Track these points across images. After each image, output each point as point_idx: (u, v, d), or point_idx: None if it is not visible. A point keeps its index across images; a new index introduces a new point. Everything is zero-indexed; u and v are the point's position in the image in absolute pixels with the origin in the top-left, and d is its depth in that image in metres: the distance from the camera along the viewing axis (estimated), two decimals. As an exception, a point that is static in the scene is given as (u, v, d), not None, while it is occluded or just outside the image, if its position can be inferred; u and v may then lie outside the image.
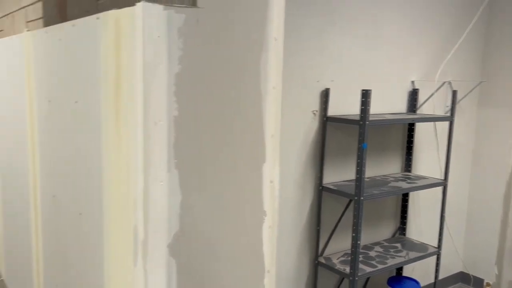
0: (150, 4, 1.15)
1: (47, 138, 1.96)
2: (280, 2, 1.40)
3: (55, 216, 1.95)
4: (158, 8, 1.16)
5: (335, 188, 2.45)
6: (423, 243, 2.84)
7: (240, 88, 1.35)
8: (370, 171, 2.76)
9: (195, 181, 1.28)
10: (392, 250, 2.69)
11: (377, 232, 2.87)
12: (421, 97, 2.90)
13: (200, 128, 1.27)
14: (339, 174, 2.62)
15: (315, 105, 2.47)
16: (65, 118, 1.72)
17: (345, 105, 2.57)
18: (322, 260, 2.53)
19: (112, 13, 1.29)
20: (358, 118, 2.28)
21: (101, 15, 1.36)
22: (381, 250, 2.68)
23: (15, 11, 2.64)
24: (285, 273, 2.49)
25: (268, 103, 1.42)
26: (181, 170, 1.24)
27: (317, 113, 2.48)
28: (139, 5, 1.15)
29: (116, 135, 1.32)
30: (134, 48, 1.18)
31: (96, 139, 1.45)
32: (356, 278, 2.30)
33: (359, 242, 2.29)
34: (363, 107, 2.22)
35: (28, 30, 2.18)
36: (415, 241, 2.85)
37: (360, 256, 2.58)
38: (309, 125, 2.47)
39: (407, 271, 3.05)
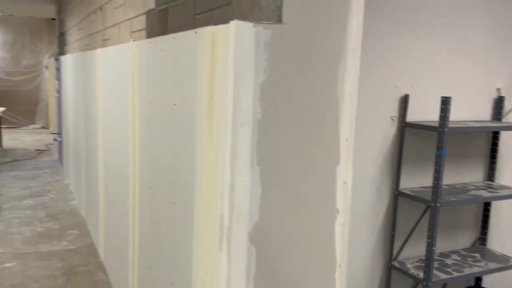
0: (242, 22, 1.32)
1: (147, 135, 2.23)
2: (359, 16, 1.50)
3: (151, 205, 2.21)
4: (248, 25, 1.32)
5: (411, 193, 2.48)
6: (505, 255, 2.75)
7: (318, 95, 1.48)
8: (450, 179, 2.73)
9: (274, 177, 1.43)
10: (470, 259, 2.64)
11: (455, 240, 2.83)
12: (508, 105, 2.81)
13: (280, 130, 1.42)
14: (417, 180, 2.64)
15: (394, 110, 2.51)
16: (164, 118, 1.96)
17: (425, 111, 2.58)
18: (396, 264, 2.57)
19: (209, 29, 1.48)
20: (437, 124, 2.30)
21: (199, 30, 1.56)
22: (458, 258, 2.65)
23: (121, 22, 2.98)
24: (358, 273, 2.56)
25: (344, 109, 1.53)
26: (262, 167, 1.40)
27: (396, 119, 2.52)
28: (232, 23, 1.32)
29: (208, 134, 1.51)
30: (226, 59, 1.36)
31: (191, 138, 1.66)
32: (430, 284, 2.31)
33: (434, 248, 2.30)
34: (442, 114, 2.23)
35: (133, 40, 2.48)
36: (496, 253, 2.77)
37: (436, 263, 2.57)
38: (387, 130, 2.52)
39: (487, 283, 2.96)
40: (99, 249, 3.77)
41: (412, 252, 2.67)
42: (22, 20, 10.90)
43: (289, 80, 1.42)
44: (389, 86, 2.49)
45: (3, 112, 8.49)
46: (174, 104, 1.79)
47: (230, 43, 1.32)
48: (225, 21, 1.40)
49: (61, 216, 4.71)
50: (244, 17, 1.40)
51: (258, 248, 1.46)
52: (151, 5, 2.25)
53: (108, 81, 3.15)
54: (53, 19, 9.39)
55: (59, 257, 3.70)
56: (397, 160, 2.55)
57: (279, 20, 1.38)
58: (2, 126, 8.60)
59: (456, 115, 2.67)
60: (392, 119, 2.51)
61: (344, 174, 1.59)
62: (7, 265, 3.53)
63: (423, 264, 2.49)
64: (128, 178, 2.58)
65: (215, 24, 1.50)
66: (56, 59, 7.13)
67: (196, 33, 1.58)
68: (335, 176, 1.56)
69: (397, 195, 2.55)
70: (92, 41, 4.11)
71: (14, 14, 10.25)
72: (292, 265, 1.54)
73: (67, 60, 5.74)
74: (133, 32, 2.63)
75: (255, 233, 1.45)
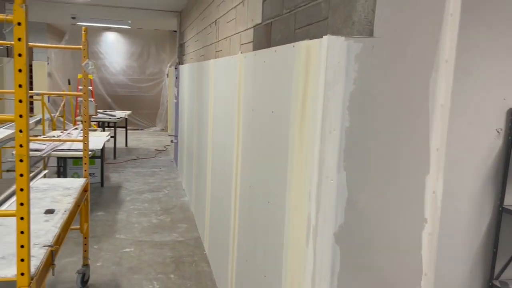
0: (333, 36, 1.43)
1: (248, 139, 2.43)
2: (452, 28, 1.52)
3: (249, 203, 2.40)
4: (340, 39, 1.43)
5: (517, 210, 2.34)
6: None
7: (408, 105, 1.53)
8: None
9: (360, 182, 1.51)
10: None
11: None
12: None
13: (368, 138, 1.50)
14: (525, 197, 2.48)
15: (500, 123, 2.40)
16: (263, 124, 2.14)
17: (537, 124, 2.42)
18: (497, 283, 2.43)
19: (304, 43, 1.62)
20: (548, 139, 2.16)
21: (296, 44, 1.70)
22: None
23: (231, 35, 3.25)
24: (454, 290, 2.48)
25: (435, 119, 1.56)
26: (349, 172, 1.49)
27: (501, 132, 2.41)
28: (325, 37, 1.44)
29: (299, 139, 1.64)
30: (318, 71, 1.48)
31: (284, 142, 1.81)
32: (535, 309, 2.17)
33: (540, 270, 2.15)
34: (554, 128, 2.09)
35: (241, 52, 2.71)
36: None
37: (544, 287, 2.39)
38: (492, 143, 2.41)
39: None
40: (204, 243, 4.09)
41: (518, 274, 2.51)
42: (149, 33, 12.09)
43: (379, 91, 1.49)
44: (496, 98, 2.38)
45: (129, 115, 9.51)
46: (272, 111, 1.96)
47: (322, 56, 1.44)
48: (321, 35, 1.52)
49: (173, 211, 5.17)
50: (337, 32, 1.51)
51: (343, 248, 1.55)
52: (258, 19, 2.45)
53: (218, 89, 3.44)
54: (175, 31, 10.28)
55: (169, 247, 4.10)
56: (502, 175, 2.42)
57: (370, 34, 1.47)
58: (128, 127, 9.63)
59: None
60: (498, 132, 2.40)
61: (434, 184, 1.61)
62: (127, 250, 4.01)
63: (528, 287, 2.34)
64: (232, 178, 2.81)
65: (312, 38, 1.63)
66: (176, 68, 7.82)
67: (293, 46, 1.72)
68: (424, 186, 1.59)
69: (500, 212, 2.43)
70: (207, 52, 4.49)
71: (143, 27, 11.43)
72: (377, 269, 1.59)
73: (185, 69, 6.28)
74: (242, 44, 2.87)
75: (340, 234, 1.54)
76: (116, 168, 7.31)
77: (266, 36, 2.33)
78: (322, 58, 1.45)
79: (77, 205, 2.73)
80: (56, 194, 2.74)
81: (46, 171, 3.54)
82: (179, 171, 6.97)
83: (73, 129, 6.07)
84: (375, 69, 1.48)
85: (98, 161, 5.99)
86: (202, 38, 4.91)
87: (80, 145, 4.71)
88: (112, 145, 8.19)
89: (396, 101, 1.51)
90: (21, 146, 1.47)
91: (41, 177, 3.20)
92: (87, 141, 3.26)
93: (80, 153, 4.52)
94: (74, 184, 3.00)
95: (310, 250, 1.55)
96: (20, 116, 1.46)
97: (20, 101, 1.45)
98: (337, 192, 1.50)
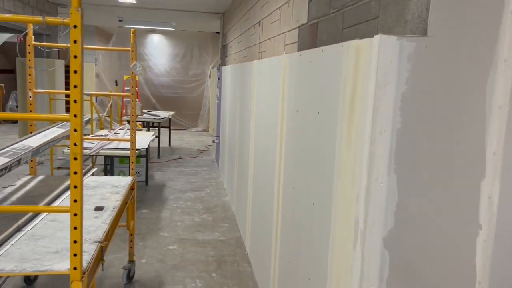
0: (385, 36, 1.39)
1: (292, 140, 2.41)
2: (512, 26, 1.45)
3: (292, 204, 2.39)
4: (392, 39, 1.39)
5: None
6: None
7: (463, 106, 1.46)
8: None
9: (411, 185, 1.46)
10: None
11: None
12: None
13: (420, 140, 1.45)
14: None
15: (561, 126, 2.26)
16: (308, 125, 2.11)
17: None
18: (555, 296, 2.30)
19: (354, 42, 1.59)
20: None
21: (345, 43, 1.67)
22: None
23: (275, 36, 3.25)
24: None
25: (492, 122, 1.48)
26: (399, 175, 1.44)
27: (563, 135, 2.27)
28: (376, 37, 1.41)
29: (347, 141, 1.61)
30: (369, 71, 1.45)
31: (331, 144, 1.78)
32: None
33: None
34: None
35: (286, 53, 2.70)
36: None
37: None
38: (551, 147, 2.29)
39: None
40: (245, 243, 4.11)
41: None
42: (192, 35, 12.29)
43: (433, 91, 1.44)
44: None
45: (172, 115, 9.70)
46: (318, 112, 1.93)
47: (373, 55, 1.41)
48: (371, 34, 1.49)
49: (215, 210, 5.23)
50: (389, 31, 1.47)
51: (392, 253, 1.50)
52: (304, 20, 2.43)
53: (261, 90, 3.44)
54: (217, 33, 10.39)
55: (211, 246, 4.14)
56: None
57: (424, 32, 1.42)
58: (171, 127, 9.82)
59: None
60: (559, 134, 2.27)
61: (490, 189, 1.53)
62: (170, 247, 4.08)
63: None
64: (274, 179, 2.81)
65: (361, 37, 1.60)
66: (218, 69, 7.90)
67: (342, 46, 1.69)
68: (478, 191, 1.52)
69: (561, 220, 2.29)
70: (250, 53, 4.50)
71: (186, 29, 11.63)
72: (428, 275, 1.54)
73: (227, 70, 6.34)
74: (286, 45, 2.85)
75: (389, 239, 1.50)
76: (160, 167, 7.47)
77: (312, 36, 2.30)
78: (373, 58, 1.41)
79: (124, 202, 2.80)
80: (105, 192, 2.83)
81: (95, 169, 3.66)
82: (220, 171, 7.04)
83: (119, 129, 6.25)
84: (429, 69, 1.43)
85: (143, 160, 6.14)
86: (245, 39, 4.93)
87: (126, 144, 4.84)
88: (156, 145, 8.37)
89: (451, 102, 1.45)
90: (75, 144, 1.52)
91: (90, 175, 3.31)
92: (135, 140, 3.35)
93: (126, 152, 4.65)
94: (121, 182, 3.08)
95: (357, 254, 1.52)
96: (75, 115, 1.51)
97: (75, 101, 1.50)
98: (387, 196, 1.46)
